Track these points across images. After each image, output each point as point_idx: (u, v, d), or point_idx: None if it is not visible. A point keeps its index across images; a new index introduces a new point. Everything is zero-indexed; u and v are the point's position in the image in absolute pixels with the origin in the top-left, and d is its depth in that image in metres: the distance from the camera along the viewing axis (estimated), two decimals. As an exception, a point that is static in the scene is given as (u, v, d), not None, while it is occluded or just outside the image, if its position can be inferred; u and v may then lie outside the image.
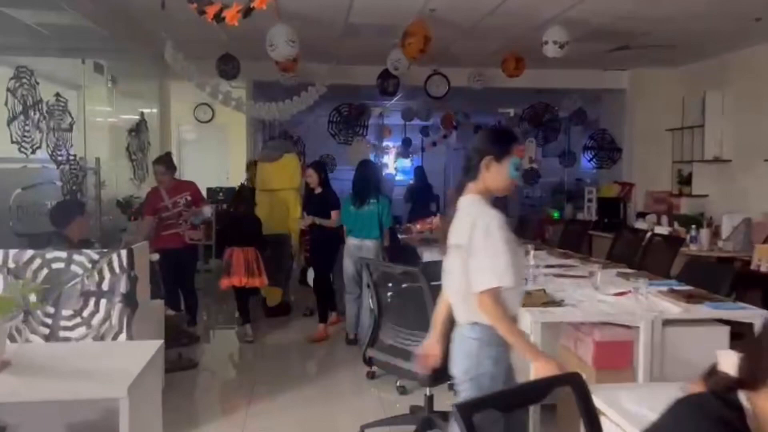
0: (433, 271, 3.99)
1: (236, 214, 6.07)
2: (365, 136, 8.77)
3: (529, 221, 7.58)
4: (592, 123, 9.18)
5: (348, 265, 5.67)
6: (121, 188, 6.65)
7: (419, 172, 11.72)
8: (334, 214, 5.67)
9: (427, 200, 10.97)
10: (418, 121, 13.13)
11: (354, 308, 5.80)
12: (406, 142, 12.82)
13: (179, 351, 4.64)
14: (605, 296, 3.44)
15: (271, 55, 5.51)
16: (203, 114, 9.34)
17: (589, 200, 8.70)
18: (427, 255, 5.34)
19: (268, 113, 7.02)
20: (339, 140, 8.70)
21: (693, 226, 5.76)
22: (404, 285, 3.25)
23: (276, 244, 6.48)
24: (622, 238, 5.35)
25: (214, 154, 9.35)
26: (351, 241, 5.57)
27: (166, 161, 5.68)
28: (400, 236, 6.66)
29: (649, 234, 5.11)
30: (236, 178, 9.24)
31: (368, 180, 5.55)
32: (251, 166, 6.96)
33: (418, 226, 7.26)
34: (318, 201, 5.90)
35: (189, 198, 5.70)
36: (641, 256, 4.87)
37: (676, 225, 6.44)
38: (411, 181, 12.11)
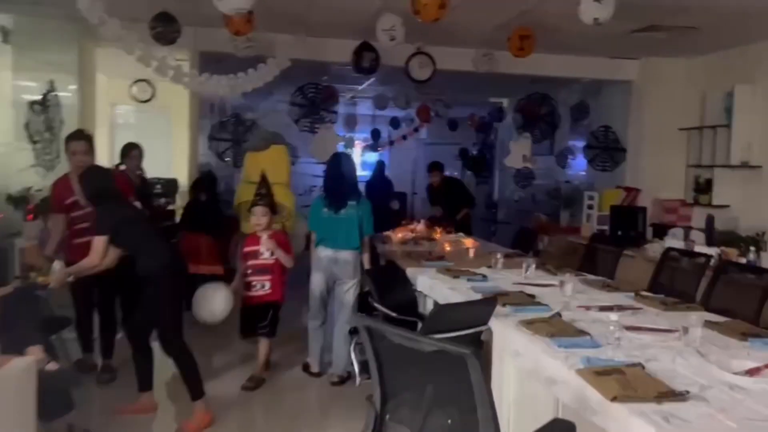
0: (454, 320, 2.72)
1: None
2: (334, 124, 7.40)
3: (529, 231, 6.38)
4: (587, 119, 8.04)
5: (318, 282, 4.53)
6: (17, 178, 5.12)
7: (380, 166, 10.64)
8: (96, 243, 3.55)
9: (387, 198, 9.76)
10: (387, 112, 11.94)
11: (319, 338, 4.62)
12: (375, 134, 11.50)
13: (69, 422, 3.21)
14: (735, 377, 2.20)
15: (217, 6, 4.11)
16: (142, 92, 7.87)
17: (590, 207, 7.55)
18: (423, 280, 4.03)
19: (215, 88, 5.58)
20: (302, 128, 7.31)
21: (752, 248, 4.62)
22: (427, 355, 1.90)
23: None
24: (670, 262, 4.15)
25: (155, 140, 7.87)
26: (323, 253, 4.47)
27: (88, 137, 4.24)
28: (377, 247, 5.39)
29: (714, 260, 3.92)
30: (179, 168, 7.80)
31: (346, 177, 4.51)
32: (130, 149, 5.53)
33: (399, 235, 5.96)
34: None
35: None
36: (707, 293, 3.68)
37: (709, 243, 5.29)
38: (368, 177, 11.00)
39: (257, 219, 4.36)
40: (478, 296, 3.44)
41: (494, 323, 2.88)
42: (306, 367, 4.66)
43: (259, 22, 5.42)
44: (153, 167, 7.16)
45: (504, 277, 4.08)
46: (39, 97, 5.54)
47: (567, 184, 7.93)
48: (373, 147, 11.64)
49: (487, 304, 2.83)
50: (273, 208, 4.46)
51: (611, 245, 4.99)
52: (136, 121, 8.25)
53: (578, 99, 7.87)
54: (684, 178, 7.27)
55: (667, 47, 6.90)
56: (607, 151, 7.76)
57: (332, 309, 4.65)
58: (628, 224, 6.18)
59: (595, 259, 4.84)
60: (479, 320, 2.81)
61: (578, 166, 9.04)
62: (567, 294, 3.52)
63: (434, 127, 12.58)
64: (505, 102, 7.97)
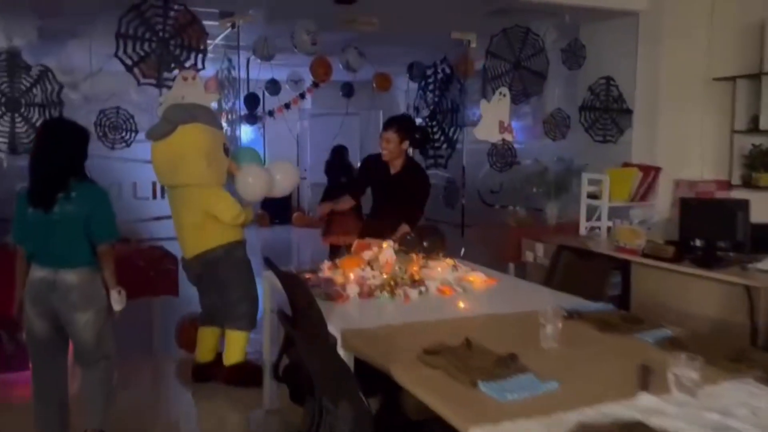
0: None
1: None
2: (200, 72, 4.23)
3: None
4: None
5: (36, 324, 2.96)
6: None
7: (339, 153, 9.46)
8: None
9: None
10: (265, 72, 8.93)
11: (56, 413, 3.06)
12: (252, 100, 8.37)
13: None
14: None
15: None
16: None
17: (593, 196, 5.15)
18: None
19: None
20: (142, 78, 4.11)
21: None
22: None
23: (206, 266, 3.94)
24: None
25: None
26: (35, 274, 2.95)
27: None
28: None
29: None
30: None
31: (57, 154, 2.92)
32: None
33: (352, 275, 3.10)
34: None
35: None
36: None
37: None
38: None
39: None
40: None
41: None
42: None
43: None
44: None
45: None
46: None
47: (555, 165, 5.43)
48: (249, 118, 8.48)
49: None
50: None
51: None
52: None
53: (570, 38, 5.36)
54: (728, 149, 5.08)
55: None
56: (612, 114, 5.38)
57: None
58: (713, 229, 3.78)
59: None
60: None
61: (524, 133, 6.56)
62: None
63: (322, 94, 9.75)
64: (471, 40, 5.30)
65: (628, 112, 5.48)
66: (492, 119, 4.96)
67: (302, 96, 9.56)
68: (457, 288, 3.01)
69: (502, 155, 5.07)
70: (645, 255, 4.01)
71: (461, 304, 2.78)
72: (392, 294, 2.87)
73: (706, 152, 5.22)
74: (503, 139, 5.01)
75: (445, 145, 5.36)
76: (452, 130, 5.36)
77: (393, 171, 4.04)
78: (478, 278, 3.18)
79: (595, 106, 5.35)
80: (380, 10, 5.15)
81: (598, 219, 5.13)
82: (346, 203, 4.37)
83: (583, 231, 5.18)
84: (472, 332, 2.28)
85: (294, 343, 2.64)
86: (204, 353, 4.09)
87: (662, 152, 5.32)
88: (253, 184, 3.98)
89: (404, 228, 3.89)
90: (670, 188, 5.31)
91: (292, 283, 2.69)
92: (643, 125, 5.46)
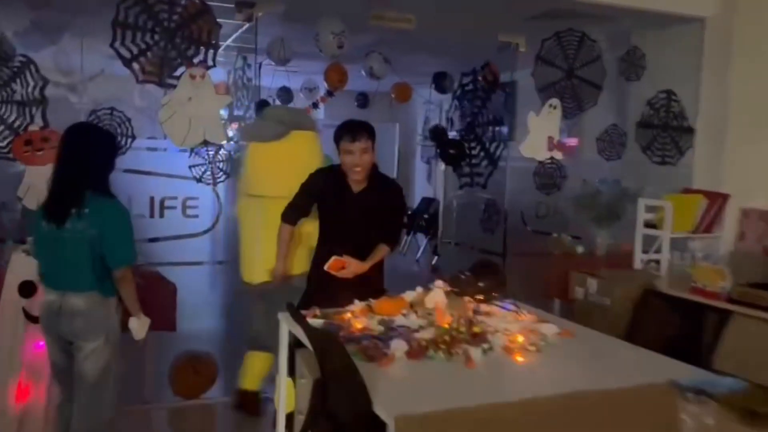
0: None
1: None
2: (210, 67, 3.59)
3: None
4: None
5: (51, 350, 2.77)
6: None
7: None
8: None
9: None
10: (278, 79, 8.55)
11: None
12: (262, 108, 7.78)
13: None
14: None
15: None
16: None
17: (650, 224, 4.53)
18: None
19: None
20: (142, 75, 3.48)
21: None
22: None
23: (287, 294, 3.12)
24: None
25: None
26: (46, 297, 2.76)
27: None
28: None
29: None
30: None
31: (71, 164, 2.64)
32: None
33: (411, 344, 2.46)
34: None
35: None
36: None
37: None
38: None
39: None
40: None
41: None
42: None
43: None
44: None
45: None
46: None
47: (604, 187, 4.80)
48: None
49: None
50: None
51: None
52: None
53: (620, 46, 4.76)
54: (810, 176, 4.46)
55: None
56: (672, 132, 4.76)
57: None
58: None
59: None
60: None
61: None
62: None
63: (333, 104, 9.20)
64: (519, 44, 4.63)
65: (690, 131, 4.87)
66: (540, 135, 4.34)
67: (315, 105, 8.99)
68: (529, 346, 2.37)
69: (550, 175, 4.44)
70: (732, 300, 3.37)
71: (543, 372, 2.14)
72: (449, 353, 2.23)
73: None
74: (552, 158, 4.39)
75: (485, 162, 4.74)
76: (494, 145, 4.74)
77: (357, 189, 3.15)
78: (550, 331, 2.55)
79: (653, 123, 4.73)
80: (414, 10, 4.56)
81: (656, 251, 4.52)
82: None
83: (638, 264, 4.56)
84: (576, 422, 1.64)
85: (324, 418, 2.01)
86: (252, 380, 3.72)
87: (727, 177, 4.70)
88: None
89: (384, 249, 3.18)
90: (735, 218, 4.68)
91: (323, 343, 2.07)
92: (706, 146, 4.84)
